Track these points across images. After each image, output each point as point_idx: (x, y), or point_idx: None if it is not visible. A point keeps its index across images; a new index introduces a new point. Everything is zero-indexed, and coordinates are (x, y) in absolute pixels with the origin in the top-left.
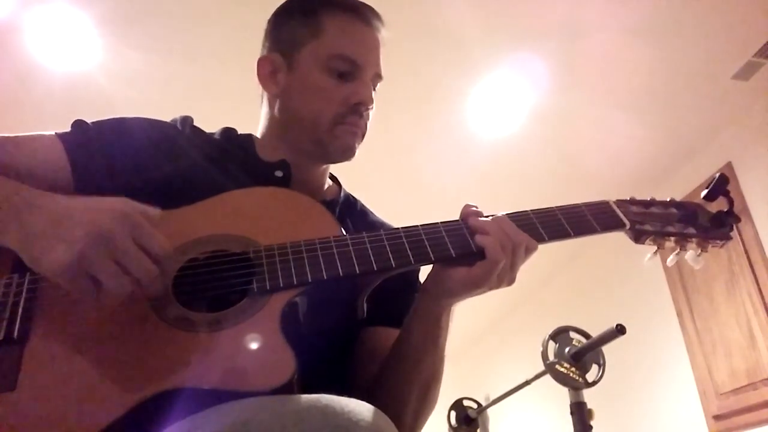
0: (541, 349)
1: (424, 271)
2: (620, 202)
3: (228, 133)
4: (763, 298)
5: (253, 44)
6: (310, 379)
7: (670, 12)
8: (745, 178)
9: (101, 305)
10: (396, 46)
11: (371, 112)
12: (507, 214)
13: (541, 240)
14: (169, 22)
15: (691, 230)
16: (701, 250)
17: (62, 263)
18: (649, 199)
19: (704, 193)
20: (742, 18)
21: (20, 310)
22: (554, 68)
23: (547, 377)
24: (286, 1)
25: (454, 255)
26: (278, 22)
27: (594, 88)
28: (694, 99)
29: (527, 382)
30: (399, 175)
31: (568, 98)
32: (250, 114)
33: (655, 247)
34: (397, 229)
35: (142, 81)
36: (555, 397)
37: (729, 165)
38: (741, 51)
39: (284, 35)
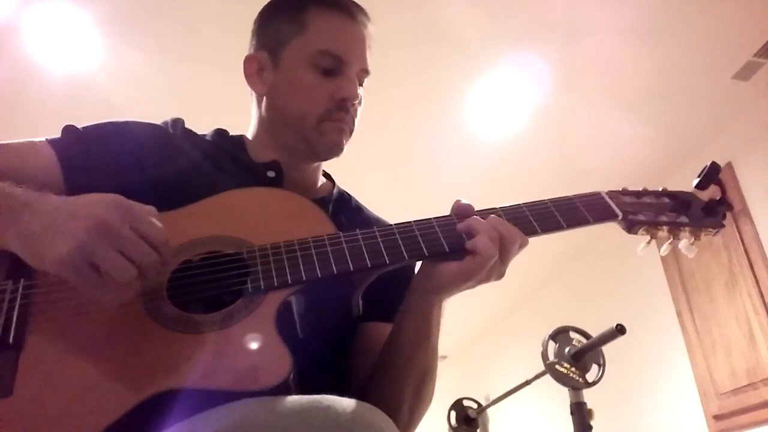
0: (541, 349)
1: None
2: (612, 193)
3: (220, 134)
4: (763, 298)
5: None
6: (306, 378)
7: (670, 12)
8: (745, 178)
9: (100, 302)
10: (396, 46)
11: (359, 109)
12: (500, 207)
13: (534, 233)
14: (171, 23)
15: (684, 219)
16: (694, 239)
17: (65, 255)
18: (641, 189)
19: (696, 181)
20: (742, 18)
21: (15, 316)
22: (554, 68)
23: (547, 377)
24: (271, 0)
25: (447, 250)
26: (264, 20)
27: (594, 88)
28: (694, 99)
29: (527, 382)
30: (399, 175)
31: (568, 98)
32: (249, 114)
33: (649, 237)
34: (391, 225)
35: (143, 81)
36: (555, 397)
37: (729, 165)
38: (741, 51)
39: (270, 33)
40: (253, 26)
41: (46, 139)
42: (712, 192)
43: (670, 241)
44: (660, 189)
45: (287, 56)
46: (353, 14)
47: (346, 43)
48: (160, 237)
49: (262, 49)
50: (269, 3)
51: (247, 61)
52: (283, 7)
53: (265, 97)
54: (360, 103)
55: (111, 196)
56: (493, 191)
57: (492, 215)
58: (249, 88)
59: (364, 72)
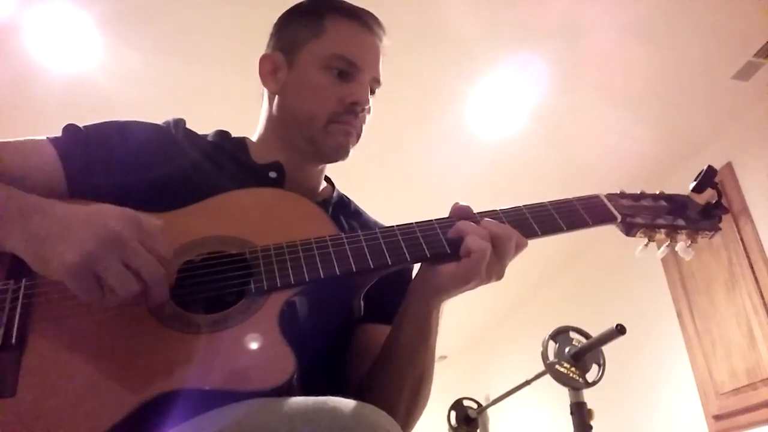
0: (541, 349)
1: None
2: (611, 196)
3: (221, 135)
4: (763, 298)
5: (254, 46)
6: (309, 378)
7: (670, 12)
8: (745, 178)
9: (103, 307)
10: (396, 47)
11: (368, 116)
12: (501, 209)
13: (534, 235)
14: (170, 23)
15: (681, 222)
16: (691, 242)
17: (71, 264)
18: (639, 192)
19: (693, 185)
20: (742, 18)
21: (17, 316)
22: (554, 68)
23: (547, 377)
24: (292, 6)
25: (449, 251)
26: (283, 24)
27: (594, 88)
28: (694, 99)
29: (527, 382)
30: (400, 175)
31: (568, 99)
32: (250, 115)
33: (646, 239)
34: (392, 226)
35: (143, 81)
36: (555, 397)
37: (729, 165)
38: (741, 51)
39: (287, 35)
40: (272, 29)
41: (47, 138)
42: (708, 195)
43: (667, 243)
44: (657, 192)
45: (302, 58)
46: (370, 25)
47: (360, 50)
48: (167, 253)
49: (277, 50)
50: (289, 9)
51: (262, 60)
52: (303, 12)
53: (277, 96)
54: (369, 111)
55: (122, 208)
56: (493, 191)
57: (485, 219)
58: (255, 89)
59: (376, 81)
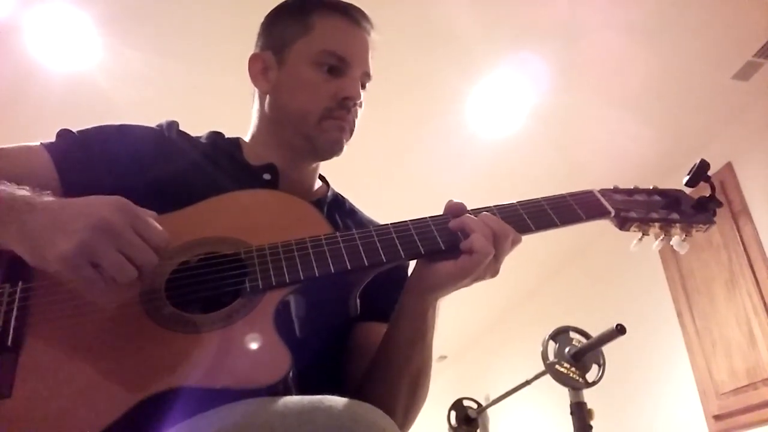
0: (541, 349)
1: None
2: (604, 191)
3: (215, 137)
4: (763, 298)
5: (253, 46)
6: (306, 377)
7: (670, 12)
8: (745, 178)
9: (99, 302)
10: (396, 46)
11: (360, 111)
12: (495, 205)
13: (528, 230)
14: (170, 23)
15: (675, 216)
16: (686, 235)
17: (67, 252)
18: (632, 187)
19: (686, 179)
20: (742, 18)
21: (13, 318)
22: (554, 68)
23: (547, 377)
24: (279, 4)
25: (444, 248)
26: (270, 22)
27: (594, 88)
28: (694, 99)
29: (527, 382)
30: (400, 175)
31: (568, 98)
32: (249, 115)
33: (641, 234)
34: (387, 224)
35: (142, 81)
36: (555, 397)
37: (729, 165)
38: (741, 51)
39: (275, 34)
40: (259, 28)
41: (41, 144)
42: (702, 189)
43: (661, 237)
44: (651, 187)
45: (292, 56)
46: (357, 20)
47: (350, 45)
48: (161, 240)
49: (267, 49)
50: (276, 6)
51: (252, 60)
52: (290, 9)
53: (268, 95)
54: (361, 105)
55: (114, 197)
56: (493, 191)
57: (484, 212)
58: (250, 88)
59: (366, 75)
